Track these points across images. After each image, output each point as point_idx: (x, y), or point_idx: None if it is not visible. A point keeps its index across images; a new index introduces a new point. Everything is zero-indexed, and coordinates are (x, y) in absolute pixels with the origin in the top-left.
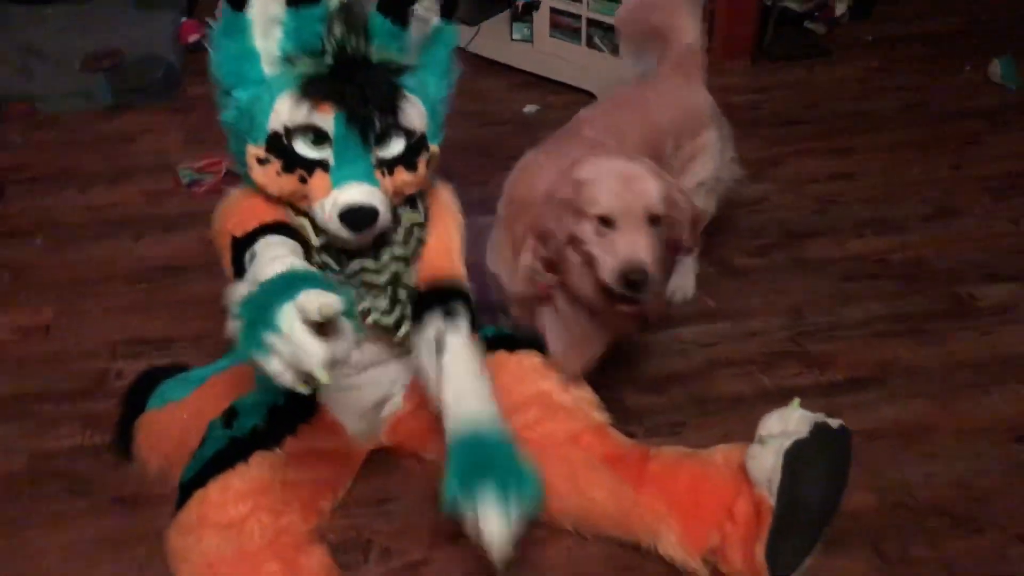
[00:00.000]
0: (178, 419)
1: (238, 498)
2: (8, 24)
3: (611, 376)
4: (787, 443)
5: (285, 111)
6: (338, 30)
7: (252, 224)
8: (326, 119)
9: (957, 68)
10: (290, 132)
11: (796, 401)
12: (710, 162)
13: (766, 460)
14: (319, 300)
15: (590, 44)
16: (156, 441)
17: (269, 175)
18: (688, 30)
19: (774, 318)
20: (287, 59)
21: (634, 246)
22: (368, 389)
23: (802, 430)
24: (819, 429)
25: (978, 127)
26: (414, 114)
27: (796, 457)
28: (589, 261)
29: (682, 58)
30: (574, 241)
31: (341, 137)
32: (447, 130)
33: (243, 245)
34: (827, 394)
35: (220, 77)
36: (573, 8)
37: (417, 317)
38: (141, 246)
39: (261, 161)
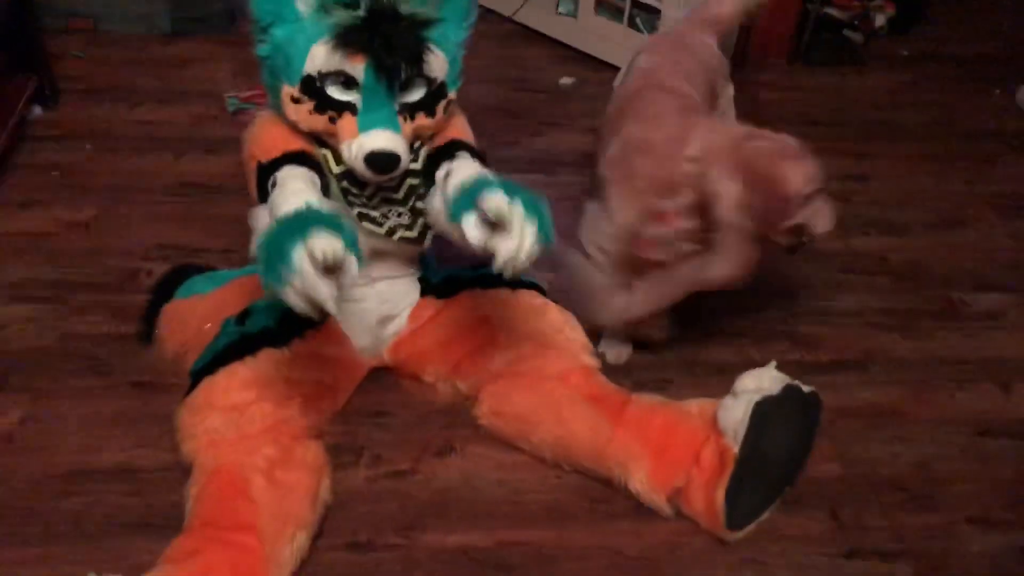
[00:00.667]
0: (199, 311)
1: (243, 386)
2: None
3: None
4: (757, 397)
5: (320, 57)
6: None
7: (276, 152)
8: (356, 67)
9: (986, 91)
10: (323, 76)
11: (773, 363)
12: (731, 111)
13: (736, 411)
14: (324, 245)
15: (631, 24)
16: (177, 328)
17: (301, 113)
18: None
19: (770, 298)
20: (323, 8)
21: None
22: (374, 303)
23: (774, 388)
24: (790, 390)
25: (997, 148)
26: (436, 64)
27: (763, 411)
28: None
29: (698, 12)
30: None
31: (369, 85)
32: (483, 90)
33: (267, 171)
34: (809, 372)
35: (258, 14)
36: None
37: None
38: (182, 163)
39: (295, 100)
